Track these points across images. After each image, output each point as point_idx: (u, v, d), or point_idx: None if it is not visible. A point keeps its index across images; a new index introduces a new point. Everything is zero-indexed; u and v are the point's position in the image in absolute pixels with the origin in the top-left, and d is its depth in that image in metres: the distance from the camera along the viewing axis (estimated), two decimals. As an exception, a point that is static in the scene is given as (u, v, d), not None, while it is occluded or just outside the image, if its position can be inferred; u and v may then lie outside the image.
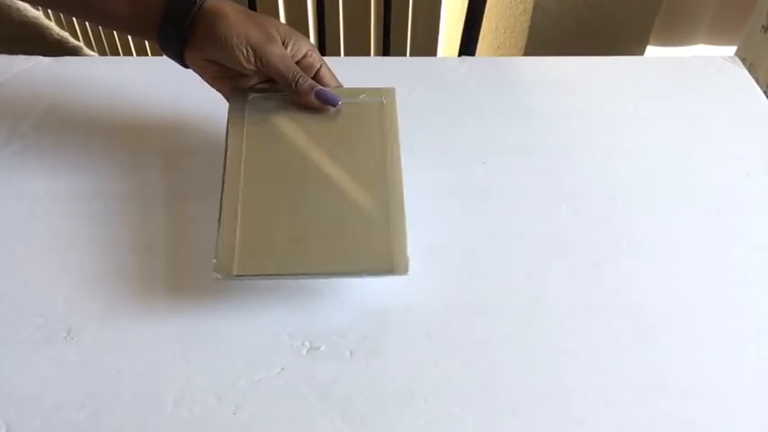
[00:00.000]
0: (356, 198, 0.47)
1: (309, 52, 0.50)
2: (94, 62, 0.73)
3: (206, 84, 0.51)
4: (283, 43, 0.48)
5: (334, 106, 0.50)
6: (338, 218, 0.46)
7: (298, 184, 0.47)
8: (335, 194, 0.47)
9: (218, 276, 0.42)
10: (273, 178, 0.47)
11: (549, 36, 1.36)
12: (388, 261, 0.43)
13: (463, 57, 0.71)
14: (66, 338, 0.42)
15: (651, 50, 1.38)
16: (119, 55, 1.39)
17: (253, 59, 0.47)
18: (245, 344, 0.42)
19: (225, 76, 0.50)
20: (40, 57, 0.68)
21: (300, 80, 0.48)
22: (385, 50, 0.96)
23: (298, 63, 0.49)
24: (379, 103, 0.51)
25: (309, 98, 0.49)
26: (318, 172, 0.48)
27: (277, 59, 0.47)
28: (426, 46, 1.34)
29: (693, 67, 0.68)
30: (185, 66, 0.50)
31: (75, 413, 0.38)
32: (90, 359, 0.41)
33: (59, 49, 0.90)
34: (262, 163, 0.48)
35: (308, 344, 0.42)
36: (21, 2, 0.51)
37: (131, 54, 1.39)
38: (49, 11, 1.25)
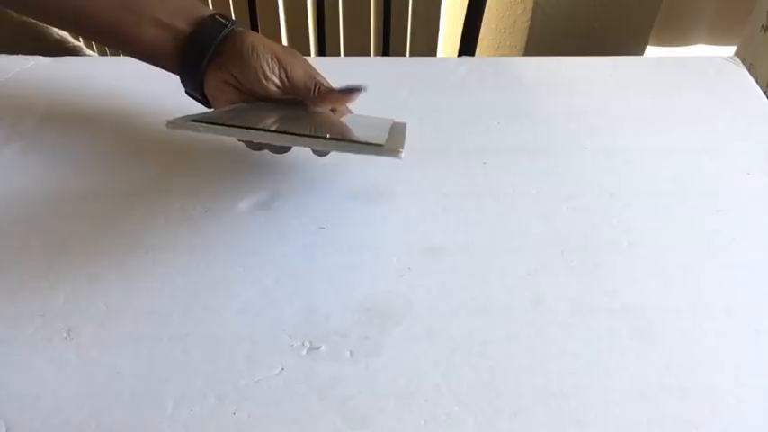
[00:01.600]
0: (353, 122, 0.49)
1: (331, 89, 0.50)
2: (94, 62, 0.73)
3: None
4: None
5: (359, 91, 0.50)
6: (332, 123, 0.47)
7: (293, 114, 0.48)
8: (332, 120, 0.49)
9: (171, 121, 0.40)
10: (265, 111, 0.48)
11: (549, 36, 1.36)
12: (379, 138, 0.41)
13: (463, 57, 0.71)
14: (66, 338, 0.42)
15: (651, 50, 1.38)
16: (119, 55, 1.39)
17: (277, 70, 0.48)
18: (244, 344, 0.42)
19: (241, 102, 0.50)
20: (40, 57, 0.68)
21: (321, 87, 0.49)
22: (385, 50, 0.96)
23: None
24: (389, 121, 0.52)
25: (331, 94, 0.49)
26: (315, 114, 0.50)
27: (301, 70, 0.49)
28: (426, 46, 1.34)
29: (693, 67, 0.69)
30: (201, 93, 0.50)
31: (75, 413, 0.38)
32: (90, 359, 0.41)
33: (59, 49, 0.90)
34: (255, 105, 0.49)
35: (308, 344, 0.42)
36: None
37: (131, 54, 1.39)
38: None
